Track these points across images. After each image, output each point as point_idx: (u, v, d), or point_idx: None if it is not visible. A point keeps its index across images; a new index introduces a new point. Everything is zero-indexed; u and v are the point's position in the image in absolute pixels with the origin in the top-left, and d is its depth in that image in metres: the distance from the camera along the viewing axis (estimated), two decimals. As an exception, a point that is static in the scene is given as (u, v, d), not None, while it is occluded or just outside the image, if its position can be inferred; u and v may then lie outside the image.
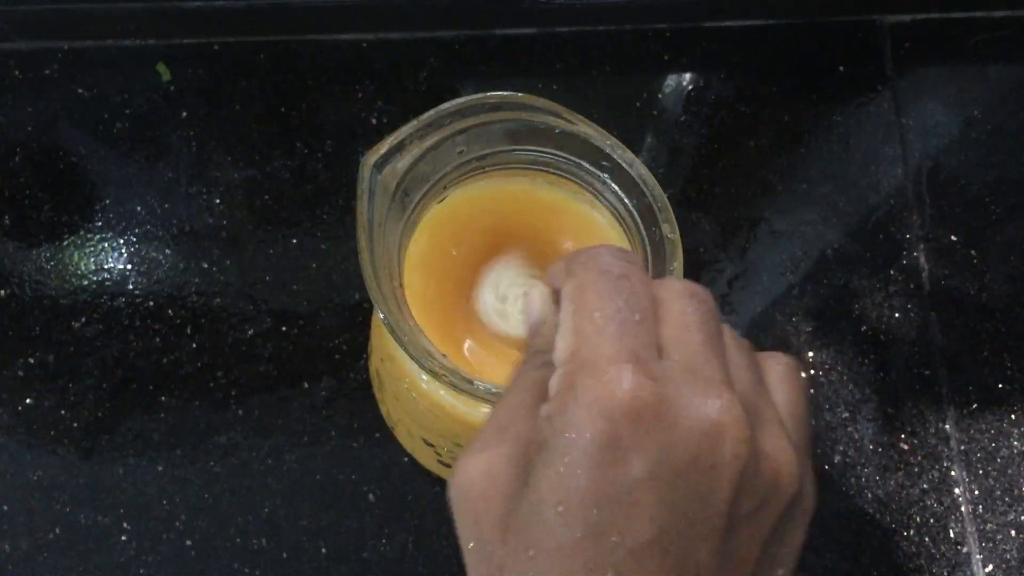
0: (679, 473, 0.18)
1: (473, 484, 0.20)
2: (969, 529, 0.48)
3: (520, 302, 0.36)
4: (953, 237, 0.53)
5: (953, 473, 0.48)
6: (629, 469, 0.18)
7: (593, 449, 0.18)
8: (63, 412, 0.45)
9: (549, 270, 0.24)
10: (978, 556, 0.47)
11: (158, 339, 0.46)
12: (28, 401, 0.45)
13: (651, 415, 0.18)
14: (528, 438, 0.20)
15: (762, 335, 0.50)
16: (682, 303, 0.21)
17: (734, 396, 0.19)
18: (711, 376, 0.20)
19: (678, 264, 0.31)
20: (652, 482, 0.18)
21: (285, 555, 0.44)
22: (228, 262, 0.48)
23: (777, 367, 0.22)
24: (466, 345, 0.36)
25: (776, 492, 0.20)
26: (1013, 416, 0.50)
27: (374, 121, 0.51)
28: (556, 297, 0.23)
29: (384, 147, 0.31)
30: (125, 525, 0.44)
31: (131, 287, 0.47)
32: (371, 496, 0.45)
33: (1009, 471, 0.49)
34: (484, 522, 0.20)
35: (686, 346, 0.20)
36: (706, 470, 0.19)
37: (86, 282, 0.47)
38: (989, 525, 0.48)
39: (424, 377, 0.35)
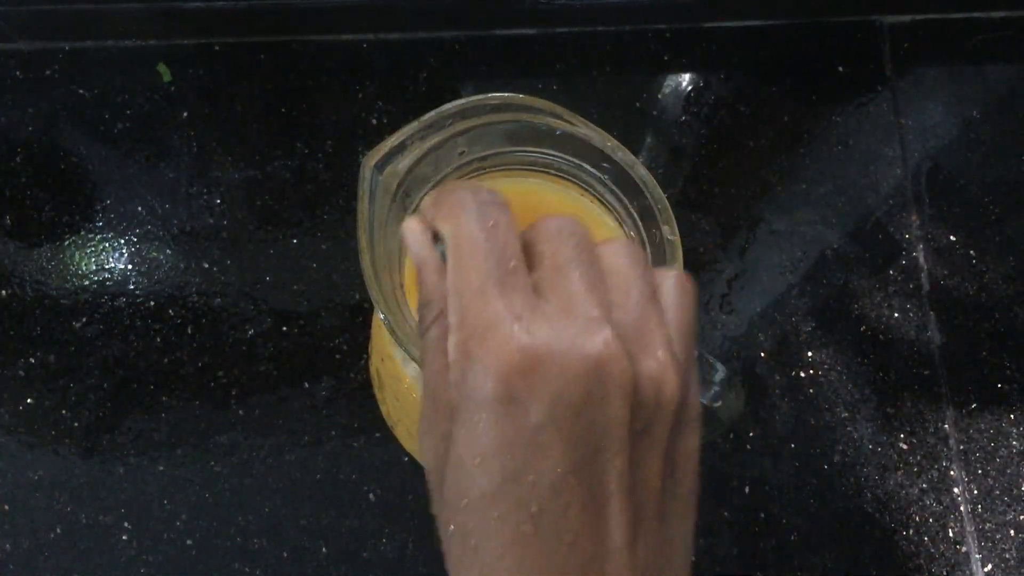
0: (575, 410, 0.20)
1: (427, 460, 0.23)
2: (968, 528, 0.48)
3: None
4: (952, 237, 0.53)
5: (952, 473, 0.48)
6: (529, 417, 0.20)
7: (495, 406, 0.20)
8: (64, 412, 0.45)
9: (421, 206, 0.25)
10: (977, 555, 0.47)
11: (159, 339, 0.46)
12: (29, 401, 0.45)
13: (538, 366, 0.20)
14: (448, 406, 0.22)
15: (762, 335, 0.50)
16: (553, 243, 0.22)
17: (608, 329, 0.21)
18: (587, 313, 0.21)
19: (678, 265, 0.31)
20: (552, 424, 0.20)
21: (285, 555, 0.44)
22: (229, 262, 0.48)
23: (666, 283, 0.23)
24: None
25: (662, 408, 0.21)
26: (1012, 416, 0.50)
27: (374, 121, 0.51)
28: (428, 233, 0.24)
29: (385, 147, 0.31)
30: (126, 524, 0.44)
31: (132, 287, 0.47)
32: (371, 496, 0.45)
33: (1008, 471, 0.49)
34: (434, 491, 0.22)
35: (560, 287, 0.22)
36: (598, 402, 0.20)
37: (87, 282, 0.47)
38: (988, 524, 0.48)
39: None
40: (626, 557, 0.21)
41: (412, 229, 0.24)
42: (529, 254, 0.23)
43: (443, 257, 0.23)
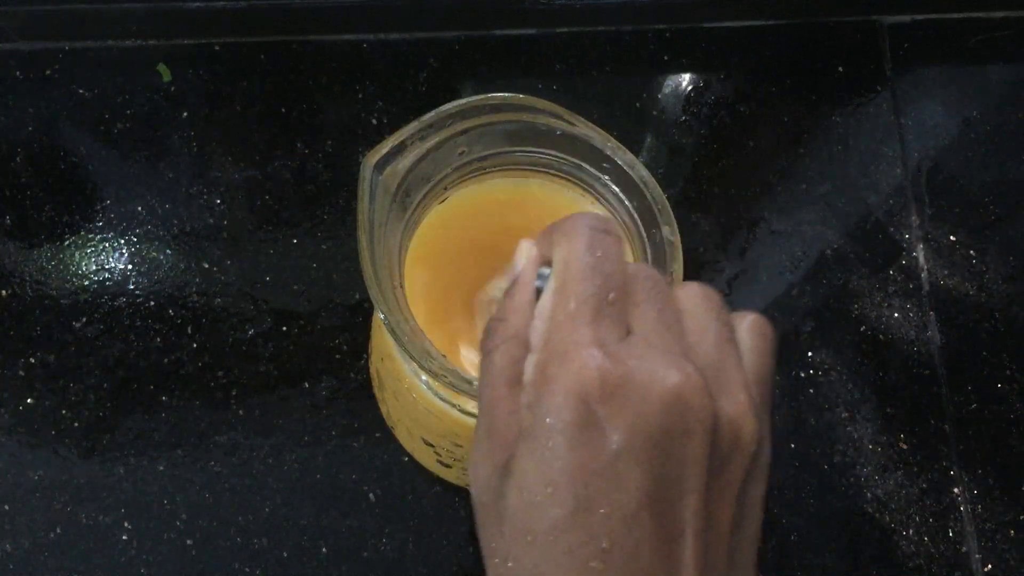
0: (654, 442, 0.20)
1: (478, 485, 0.22)
2: (968, 528, 0.48)
3: None
4: (952, 237, 0.53)
5: (952, 472, 0.49)
6: (608, 444, 0.20)
7: (572, 430, 0.20)
8: (64, 412, 0.45)
9: (539, 236, 0.25)
10: (977, 555, 0.47)
11: (159, 339, 0.46)
12: (29, 401, 0.45)
13: (620, 392, 0.20)
14: (511, 433, 0.21)
15: (762, 335, 0.50)
16: (633, 281, 0.22)
17: (688, 362, 0.21)
18: (667, 346, 0.21)
19: (678, 266, 0.31)
20: (630, 453, 0.20)
21: (285, 555, 0.44)
22: (229, 262, 0.48)
23: (743, 325, 0.23)
24: (465, 346, 0.36)
25: (739, 451, 0.21)
26: (1012, 416, 0.50)
27: (374, 121, 0.51)
28: (540, 259, 0.24)
29: (385, 147, 0.31)
30: (126, 524, 0.44)
31: (132, 287, 0.47)
32: (371, 496, 0.45)
33: (1008, 471, 0.49)
34: (488, 519, 0.21)
35: (642, 321, 0.22)
36: (678, 436, 0.20)
37: (87, 282, 0.47)
38: (988, 524, 0.48)
39: (424, 378, 0.35)
40: None
41: (526, 248, 0.24)
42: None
43: (537, 292, 0.23)
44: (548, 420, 0.20)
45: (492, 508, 0.21)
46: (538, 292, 0.23)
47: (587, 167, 0.33)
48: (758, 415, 0.22)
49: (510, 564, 0.21)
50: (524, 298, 0.23)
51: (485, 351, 0.23)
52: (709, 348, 0.22)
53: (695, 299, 0.23)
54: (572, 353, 0.20)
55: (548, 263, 0.24)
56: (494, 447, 0.21)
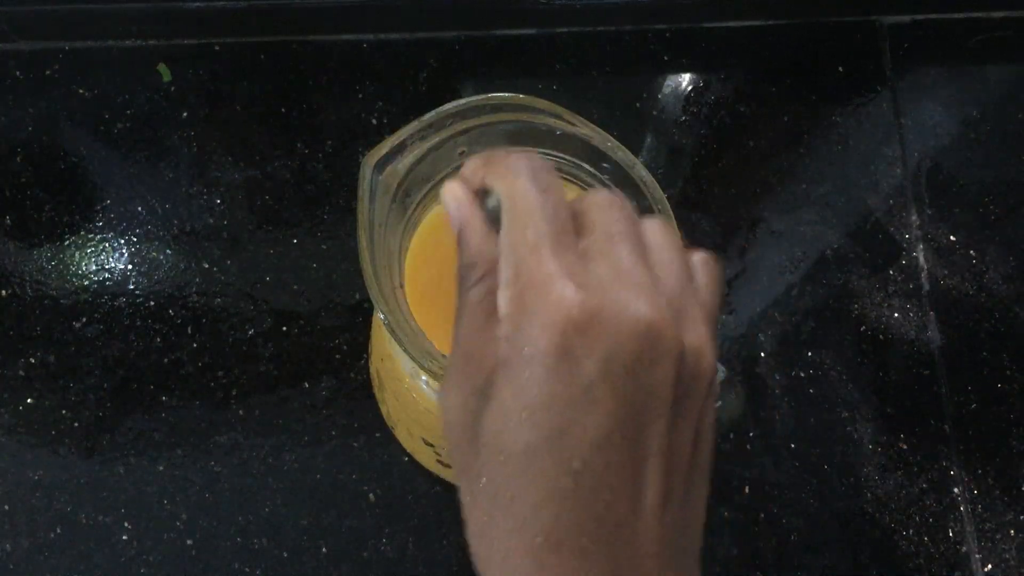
0: (627, 369, 0.21)
1: (451, 417, 0.23)
2: (968, 528, 0.48)
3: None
4: (952, 237, 0.53)
5: (952, 472, 0.48)
6: (583, 373, 0.21)
7: (550, 360, 0.21)
8: (64, 412, 0.45)
9: (464, 167, 0.25)
10: (977, 555, 0.47)
11: (159, 339, 0.46)
12: (29, 401, 0.45)
13: (596, 323, 0.21)
14: (488, 361, 0.22)
15: (761, 335, 0.50)
16: (604, 214, 0.23)
17: (661, 298, 0.22)
18: (639, 281, 0.22)
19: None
20: (604, 380, 0.21)
21: (285, 555, 0.44)
22: (229, 262, 0.48)
23: (695, 261, 0.24)
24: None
25: (699, 380, 0.22)
26: (1012, 416, 0.50)
27: (374, 121, 0.51)
28: (472, 196, 0.25)
29: (385, 147, 0.31)
30: (126, 524, 0.44)
31: (132, 287, 0.47)
32: (371, 496, 0.45)
33: (1008, 471, 0.49)
34: (462, 440, 0.22)
35: (611, 255, 0.22)
36: (648, 364, 0.21)
37: (87, 282, 0.47)
38: (988, 524, 0.48)
39: (423, 377, 0.35)
40: (657, 518, 0.21)
41: (453, 190, 0.25)
42: (578, 223, 0.23)
43: (489, 220, 0.24)
44: (526, 350, 0.21)
45: (468, 429, 0.22)
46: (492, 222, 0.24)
47: (587, 167, 0.33)
48: (715, 347, 0.23)
49: (483, 480, 0.22)
50: (478, 237, 0.24)
51: (463, 290, 0.24)
52: (673, 282, 0.23)
53: (659, 234, 0.24)
54: (547, 286, 0.21)
55: (485, 194, 0.24)
56: (470, 372, 0.22)
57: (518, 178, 0.23)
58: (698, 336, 0.22)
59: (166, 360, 0.46)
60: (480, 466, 0.22)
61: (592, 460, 0.21)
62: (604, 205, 0.23)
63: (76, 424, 0.45)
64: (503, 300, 0.22)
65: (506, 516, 0.21)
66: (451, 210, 0.25)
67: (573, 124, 0.32)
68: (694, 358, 0.22)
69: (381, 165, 0.31)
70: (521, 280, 0.22)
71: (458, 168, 0.33)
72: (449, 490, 0.45)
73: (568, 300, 0.21)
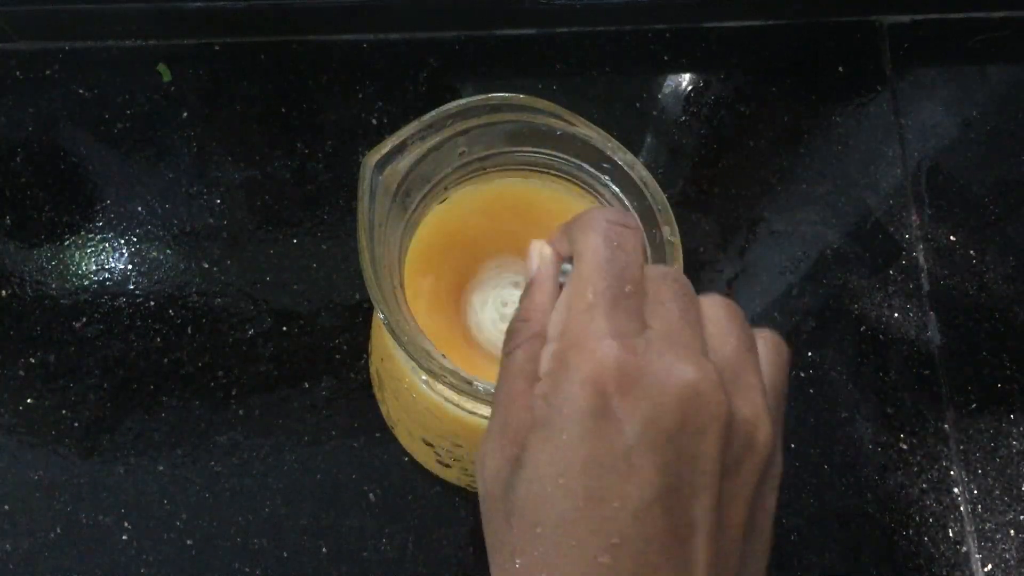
0: (669, 436, 0.20)
1: (486, 477, 0.22)
2: (968, 528, 0.48)
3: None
4: (952, 237, 0.53)
5: (952, 472, 0.49)
6: (622, 435, 0.19)
7: (588, 420, 0.20)
8: (64, 412, 0.45)
9: (554, 231, 0.25)
10: (977, 555, 0.47)
11: (159, 339, 0.46)
12: (29, 401, 0.45)
13: (637, 384, 0.20)
14: (524, 425, 0.21)
15: (762, 335, 0.50)
16: (656, 282, 0.22)
17: (707, 361, 0.21)
18: (687, 343, 0.21)
19: (678, 266, 0.31)
20: (645, 446, 0.19)
21: (285, 555, 0.44)
22: (229, 262, 0.48)
23: (761, 340, 0.23)
24: (465, 345, 0.36)
25: (753, 452, 0.21)
26: (1012, 416, 0.50)
27: (374, 121, 0.51)
28: (557, 257, 0.24)
29: (385, 147, 0.31)
30: (126, 524, 0.44)
31: (132, 287, 0.47)
32: (371, 496, 0.45)
33: (1008, 471, 0.49)
34: (495, 512, 0.21)
35: (664, 318, 0.21)
36: (692, 432, 0.20)
37: (87, 282, 0.47)
38: (988, 524, 0.48)
39: (423, 377, 0.35)
40: None
41: (539, 248, 0.24)
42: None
43: (560, 287, 0.23)
44: (563, 410, 0.20)
45: (501, 501, 0.21)
46: (560, 289, 0.24)
47: (587, 167, 0.33)
48: (774, 422, 0.21)
49: (518, 561, 0.20)
50: (544, 297, 0.23)
51: (507, 351, 0.23)
52: (729, 352, 0.22)
53: (719, 308, 0.23)
54: (591, 343, 0.20)
55: (566, 260, 0.24)
56: (506, 441, 0.21)
57: (590, 234, 0.22)
58: (752, 406, 0.21)
59: (166, 360, 0.46)
60: (514, 542, 0.20)
61: (632, 534, 0.19)
62: (657, 274, 0.23)
63: (76, 424, 0.45)
64: (546, 355, 0.21)
65: None
66: (532, 264, 0.24)
67: (573, 124, 0.32)
68: (747, 428, 0.21)
69: (381, 165, 0.31)
70: (568, 336, 0.21)
71: (458, 168, 0.33)
72: (449, 490, 0.45)
73: (611, 358, 0.20)
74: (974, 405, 0.50)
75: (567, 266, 0.24)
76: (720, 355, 0.21)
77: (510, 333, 0.23)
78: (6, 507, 0.44)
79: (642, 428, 0.19)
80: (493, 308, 0.36)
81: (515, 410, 0.21)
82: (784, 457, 0.23)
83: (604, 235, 0.22)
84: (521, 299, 0.24)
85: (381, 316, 0.29)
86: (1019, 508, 0.48)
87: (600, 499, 0.19)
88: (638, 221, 0.23)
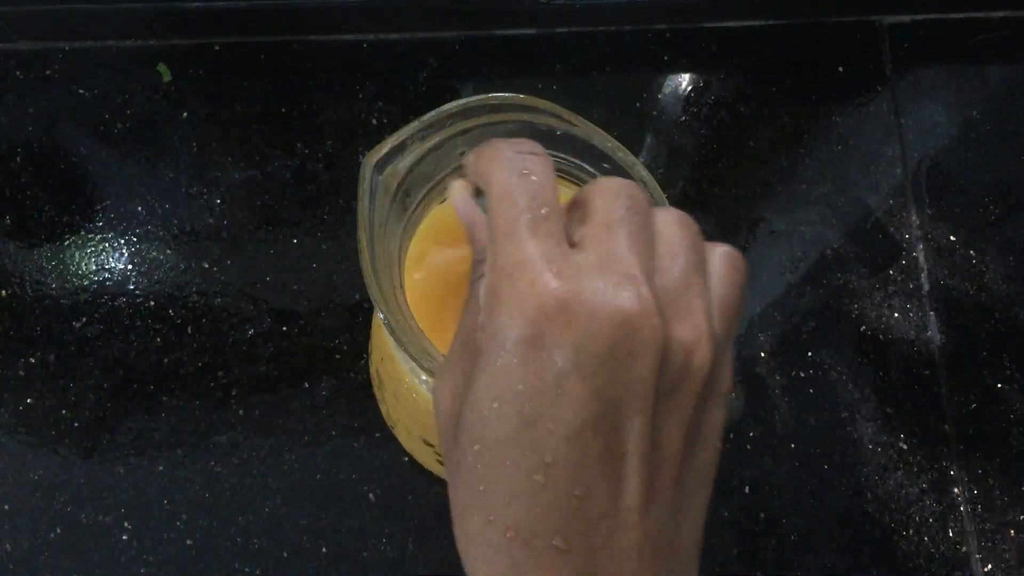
0: (600, 361, 0.20)
1: (441, 404, 0.22)
2: (968, 528, 0.48)
3: None
4: (952, 237, 0.53)
5: (952, 472, 0.48)
6: (553, 363, 0.20)
7: (519, 349, 0.20)
8: (64, 412, 0.45)
9: (464, 165, 0.25)
10: (977, 556, 0.47)
11: (159, 339, 0.46)
12: (29, 401, 0.45)
13: (566, 311, 0.20)
14: (470, 354, 0.22)
15: (762, 335, 0.50)
16: (608, 201, 0.22)
17: (644, 287, 0.20)
18: (624, 270, 0.21)
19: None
20: (576, 372, 0.20)
21: (285, 555, 0.44)
22: (229, 262, 0.48)
23: (715, 256, 0.23)
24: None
25: (690, 376, 0.21)
26: (1012, 416, 0.50)
27: (374, 121, 0.51)
28: (474, 192, 0.25)
29: (385, 147, 0.31)
30: (126, 524, 0.44)
31: (132, 287, 0.47)
32: (371, 496, 0.45)
33: (1008, 471, 0.49)
34: (445, 432, 0.22)
35: (605, 243, 0.21)
36: (624, 357, 0.20)
37: (87, 282, 0.47)
38: (988, 524, 0.48)
39: (423, 377, 0.35)
40: (636, 519, 0.20)
41: (456, 189, 0.25)
42: (584, 210, 0.22)
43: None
44: (496, 338, 0.20)
45: (452, 416, 0.22)
46: None
47: (587, 167, 0.33)
48: (715, 341, 0.22)
49: (463, 472, 0.21)
50: (481, 234, 0.23)
51: (472, 288, 0.23)
52: (675, 273, 0.22)
53: (671, 225, 0.23)
54: (515, 271, 0.21)
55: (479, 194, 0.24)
56: (463, 360, 0.22)
57: (494, 165, 0.23)
58: (692, 329, 0.21)
59: (166, 360, 0.46)
60: (460, 456, 0.21)
61: (563, 455, 0.20)
62: (610, 191, 0.22)
63: (76, 424, 0.45)
64: (482, 290, 0.22)
65: (480, 508, 0.21)
66: (457, 208, 0.24)
67: (573, 124, 0.32)
68: (684, 353, 0.21)
69: (381, 165, 0.31)
70: (497, 268, 0.21)
71: (458, 168, 0.33)
72: (449, 490, 0.45)
73: (539, 287, 0.20)
74: (974, 405, 0.50)
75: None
76: (667, 275, 0.22)
77: (471, 273, 0.24)
78: (6, 507, 0.44)
79: (573, 355, 0.20)
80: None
81: (470, 334, 0.22)
82: (732, 373, 0.23)
83: (508, 162, 0.22)
84: (469, 242, 0.24)
85: (381, 316, 0.29)
86: (1019, 508, 0.48)
87: (533, 423, 0.20)
88: (542, 148, 0.23)
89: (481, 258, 0.23)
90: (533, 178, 0.22)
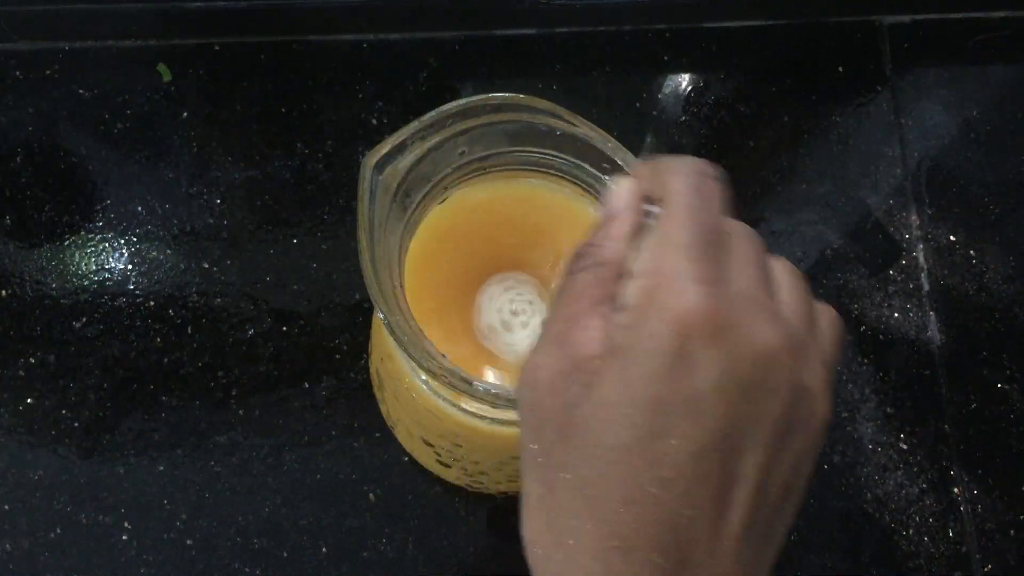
0: (742, 389, 0.20)
1: (540, 388, 0.22)
2: (968, 528, 0.48)
3: (519, 297, 0.36)
4: (952, 237, 0.53)
5: (952, 472, 0.49)
6: (697, 379, 0.20)
7: (668, 359, 0.20)
8: (64, 412, 0.45)
9: (634, 168, 0.25)
10: (977, 555, 0.47)
11: (159, 339, 0.46)
12: (29, 401, 0.45)
13: (722, 335, 0.20)
14: (591, 345, 0.22)
15: (762, 335, 0.50)
16: (742, 239, 0.23)
17: (788, 328, 0.21)
18: (768, 307, 0.22)
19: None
20: (717, 394, 0.20)
21: (285, 555, 0.44)
22: (229, 262, 0.48)
23: (820, 309, 0.24)
24: (465, 346, 0.36)
25: (808, 423, 0.22)
26: (1012, 416, 0.50)
27: (374, 121, 0.51)
28: (638, 196, 0.25)
29: (385, 147, 0.31)
30: (126, 524, 0.44)
31: (132, 287, 0.47)
32: (371, 496, 0.45)
33: (1008, 471, 0.49)
34: (548, 424, 0.22)
35: (746, 276, 0.22)
36: (764, 391, 0.21)
37: (87, 282, 0.47)
38: (988, 524, 0.48)
39: (423, 377, 0.35)
40: (733, 546, 0.21)
41: (623, 184, 0.25)
42: (726, 242, 0.23)
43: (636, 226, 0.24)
44: (644, 344, 0.20)
45: (560, 414, 0.21)
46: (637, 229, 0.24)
47: (587, 167, 0.33)
48: (832, 394, 0.22)
49: (567, 475, 0.21)
50: (622, 228, 0.24)
51: (572, 271, 0.23)
52: (798, 321, 0.22)
53: (788, 275, 0.23)
54: (679, 284, 0.21)
55: (647, 200, 0.24)
56: (566, 355, 0.22)
57: (686, 177, 0.23)
58: (817, 379, 0.22)
59: (166, 360, 0.46)
60: (564, 457, 0.21)
61: (684, 472, 0.20)
62: (745, 231, 0.23)
63: (76, 424, 0.45)
64: (633, 289, 0.22)
65: (584, 513, 0.21)
66: (612, 198, 0.24)
67: (573, 124, 0.32)
68: (808, 400, 0.21)
69: (381, 165, 0.31)
70: (657, 274, 0.21)
71: (458, 168, 0.33)
72: (449, 490, 0.45)
73: (701, 305, 0.20)
74: (974, 405, 0.50)
75: (652, 208, 0.24)
76: (791, 323, 0.22)
77: (578, 254, 0.24)
78: (6, 507, 0.44)
79: (718, 376, 0.20)
80: (494, 308, 0.36)
81: (581, 330, 0.22)
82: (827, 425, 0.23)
83: (694, 181, 0.23)
84: (597, 227, 0.25)
85: (381, 316, 0.29)
86: (1019, 508, 0.48)
87: (662, 434, 0.20)
88: (720, 174, 0.24)
89: (594, 245, 0.23)
90: (711, 202, 0.23)
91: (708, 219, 0.22)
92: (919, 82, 0.56)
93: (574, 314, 0.22)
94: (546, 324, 0.23)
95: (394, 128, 0.32)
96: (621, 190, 0.25)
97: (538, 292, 0.37)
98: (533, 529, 0.22)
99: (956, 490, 0.48)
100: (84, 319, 0.47)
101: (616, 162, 0.32)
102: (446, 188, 0.34)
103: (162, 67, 0.51)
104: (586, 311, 0.22)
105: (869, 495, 0.48)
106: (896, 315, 0.51)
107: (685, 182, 0.23)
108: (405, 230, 0.33)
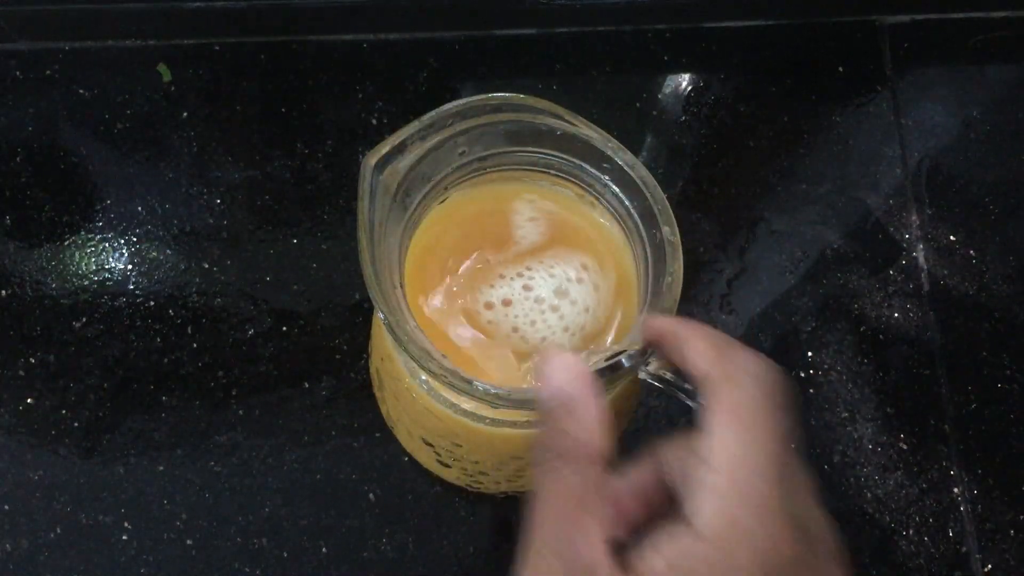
0: None
1: None
2: (968, 528, 0.48)
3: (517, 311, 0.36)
4: (952, 237, 0.53)
5: (952, 472, 0.48)
6: None
7: None
8: (64, 412, 0.45)
9: (646, 326, 0.25)
10: (977, 555, 0.47)
11: (159, 339, 0.46)
12: (29, 401, 0.45)
13: None
14: (582, 565, 0.21)
15: (762, 335, 0.50)
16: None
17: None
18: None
19: (678, 266, 0.31)
20: None
21: (285, 555, 0.44)
22: (229, 262, 0.48)
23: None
24: (465, 346, 0.36)
25: None
26: (1012, 416, 0.50)
27: (374, 121, 0.51)
28: (588, 371, 0.24)
29: (385, 147, 0.31)
30: (126, 524, 0.44)
31: (132, 287, 0.47)
32: (371, 496, 0.45)
33: (1008, 471, 0.49)
34: None
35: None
36: None
37: (87, 282, 0.47)
38: (988, 524, 0.48)
39: (423, 377, 0.35)
40: None
41: (564, 360, 0.24)
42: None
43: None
44: None
45: None
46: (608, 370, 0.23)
47: (587, 167, 0.33)
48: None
49: None
50: (594, 416, 0.23)
51: (544, 462, 0.22)
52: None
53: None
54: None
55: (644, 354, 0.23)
56: (557, 571, 0.21)
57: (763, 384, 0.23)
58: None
59: (166, 360, 0.46)
60: None
61: None
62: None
63: (76, 424, 0.45)
64: (660, 563, 0.21)
65: None
66: (556, 380, 0.23)
67: (573, 124, 0.32)
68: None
69: (381, 165, 0.31)
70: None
71: (458, 168, 0.33)
72: (449, 490, 0.45)
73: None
74: (974, 405, 0.50)
75: (686, 387, 0.23)
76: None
77: (544, 447, 0.23)
78: (6, 507, 0.44)
79: None
80: (493, 308, 0.36)
81: (572, 544, 0.21)
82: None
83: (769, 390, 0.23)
84: (553, 412, 0.23)
85: (381, 316, 0.29)
86: (1019, 508, 0.48)
87: None
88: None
89: (575, 442, 0.22)
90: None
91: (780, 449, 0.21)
92: (919, 82, 0.56)
93: (557, 526, 0.22)
94: (533, 525, 0.22)
95: (394, 128, 0.32)
96: (559, 364, 0.24)
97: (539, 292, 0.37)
98: None
99: (956, 490, 0.48)
100: (84, 319, 0.47)
101: (616, 162, 0.32)
102: (446, 188, 0.34)
103: (162, 67, 0.51)
104: (571, 522, 0.21)
105: (869, 495, 0.48)
106: (896, 315, 0.51)
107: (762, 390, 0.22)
108: (405, 230, 0.33)
